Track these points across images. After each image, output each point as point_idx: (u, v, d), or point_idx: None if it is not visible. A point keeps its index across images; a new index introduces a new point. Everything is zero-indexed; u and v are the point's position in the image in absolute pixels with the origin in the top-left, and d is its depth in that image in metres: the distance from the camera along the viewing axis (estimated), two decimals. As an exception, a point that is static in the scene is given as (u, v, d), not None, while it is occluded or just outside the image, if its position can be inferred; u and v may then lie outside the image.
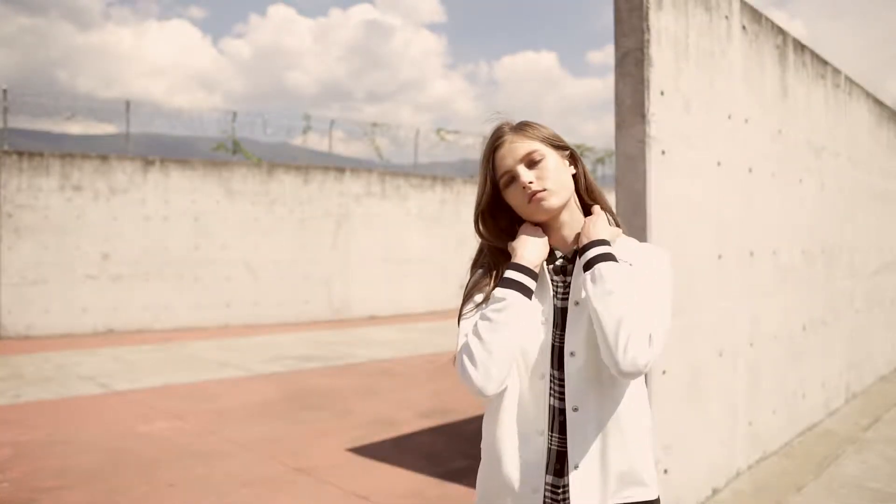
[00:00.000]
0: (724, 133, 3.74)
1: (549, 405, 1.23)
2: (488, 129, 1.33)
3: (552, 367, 1.23)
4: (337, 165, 14.01)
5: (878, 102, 6.62)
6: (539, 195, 1.24)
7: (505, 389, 1.23)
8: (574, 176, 1.31)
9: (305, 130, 14.62)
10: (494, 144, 1.30)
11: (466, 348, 1.19)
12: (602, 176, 19.53)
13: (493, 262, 1.36)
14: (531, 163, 1.25)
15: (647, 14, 3.09)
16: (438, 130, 16.31)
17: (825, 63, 5.20)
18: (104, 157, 11.55)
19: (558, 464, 1.23)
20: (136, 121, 12.57)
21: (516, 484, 1.22)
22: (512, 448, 1.23)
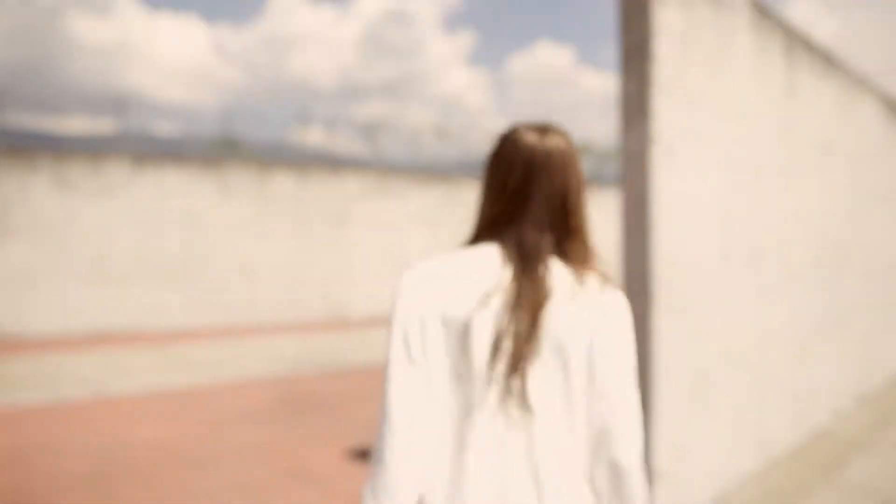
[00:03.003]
0: (728, 132, 3.68)
1: None
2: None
3: None
4: (335, 164, 13.95)
5: (886, 101, 6.56)
6: None
7: None
8: None
9: (304, 128, 14.55)
10: None
11: None
12: (604, 175, 19.48)
13: None
14: None
15: (651, 10, 3.04)
16: (439, 129, 16.25)
17: (832, 61, 5.14)
18: (98, 156, 11.47)
19: None
20: (132, 119, 12.50)
21: None
22: None
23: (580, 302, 1.03)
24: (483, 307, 1.01)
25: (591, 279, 1.06)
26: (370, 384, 7.10)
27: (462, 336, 1.02)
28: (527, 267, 1.04)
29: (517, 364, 0.99)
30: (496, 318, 1.01)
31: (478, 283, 1.03)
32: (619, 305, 1.06)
